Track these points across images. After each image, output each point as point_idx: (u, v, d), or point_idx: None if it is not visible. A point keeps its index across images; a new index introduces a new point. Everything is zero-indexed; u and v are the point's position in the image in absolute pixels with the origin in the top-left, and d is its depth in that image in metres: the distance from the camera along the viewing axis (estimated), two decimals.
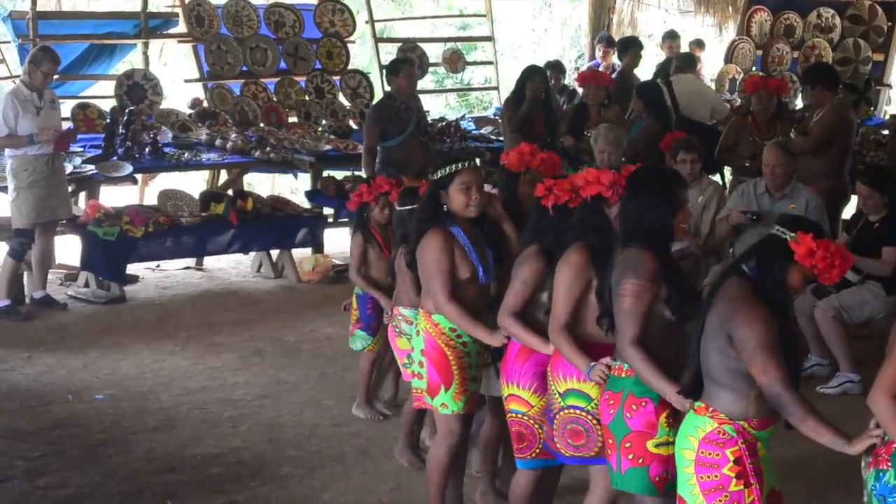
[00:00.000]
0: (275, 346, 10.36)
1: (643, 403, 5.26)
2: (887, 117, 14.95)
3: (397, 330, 7.31)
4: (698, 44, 17.79)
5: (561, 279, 5.61)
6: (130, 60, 16.40)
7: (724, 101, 14.62)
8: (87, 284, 12.02)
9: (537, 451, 6.00)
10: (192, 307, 11.70)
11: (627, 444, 5.27)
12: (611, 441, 5.35)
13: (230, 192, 13.10)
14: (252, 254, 13.13)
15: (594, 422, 5.54)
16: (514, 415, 6.03)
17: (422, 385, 6.36)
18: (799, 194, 9.68)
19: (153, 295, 12.15)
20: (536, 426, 5.95)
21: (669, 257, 5.41)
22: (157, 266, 13.06)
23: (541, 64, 16.56)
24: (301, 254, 12.94)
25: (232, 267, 13.39)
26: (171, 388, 9.24)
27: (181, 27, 15.42)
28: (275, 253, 12.92)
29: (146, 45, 15.32)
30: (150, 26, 15.26)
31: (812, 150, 10.72)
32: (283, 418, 8.58)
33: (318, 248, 12.86)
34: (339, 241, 13.59)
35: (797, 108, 14.83)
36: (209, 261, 13.36)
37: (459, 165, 6.17)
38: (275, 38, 15.56)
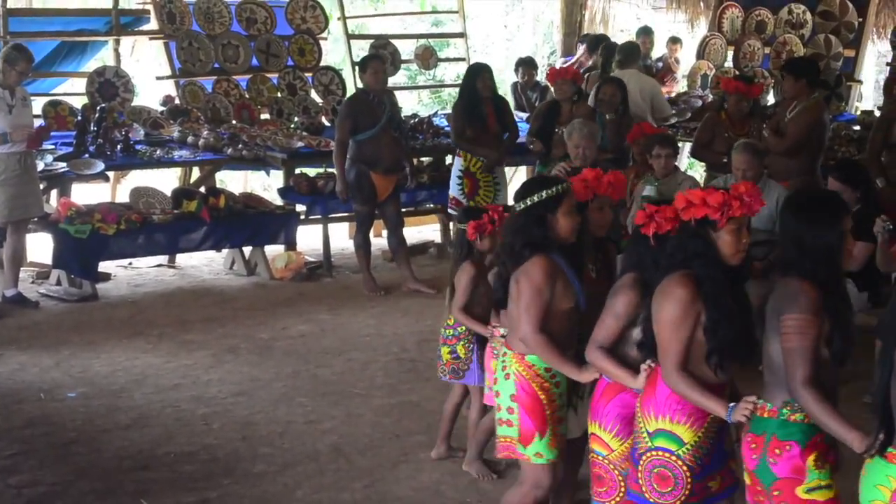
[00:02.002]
0: (248, 344, 10.34)
1: (787, 447, 4.81)
2: (858, 113, 15.00)
3: (496, 352, 6.57)
4: (674, 40, 17.85)
5: (666, 317, 5.05)
6: (102, 57, 16.33)
7: (665, 100, 14.57)
8: (59, 282, 11.99)
9: (618, 498, 5.57)
10: (164, 305, 11.67)
11: (777, 493, 4.84)
12: (759, 489, 4.90)
13: (202, 189, 13.07)
14: (225, 251, 13.10)
15: (684, 468, 5.07)
16: (595, 455, 5.64)
17: (512, 433, 5.90)
18: (770, 191, 9.69)
19: (125, 293, 12.12)
20: (617, 472, 5.54)
21: (836, 289, 4.92)
22: (130, 264, 13.05)
23: (513, 60, 16.70)
24: (274, 251, 12.92)
25: (204, 264, 13.37)
26: (143, 385, 9.22)
27: (153, 24, 15.39)
28: (247, 250, 12.90)
29: (117, 42, 15.28)
30: (122, 23, 15.21)
31: (787, 151, 10.74)
32: (256, 416, 8.57)
33: (290, 245, 12.85)
34: (311, 238, 13.59)
35: (769, 103, 14.86)
36: (181, 258, 13.34)
37: (565, 186, 5.88)
38: (247, 34, 15.54)
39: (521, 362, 5.85)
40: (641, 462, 5.18)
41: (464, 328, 7.39)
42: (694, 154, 12.28)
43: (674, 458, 5.09)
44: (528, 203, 5.83)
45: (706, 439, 5.12)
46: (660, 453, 5.12)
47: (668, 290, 5.06)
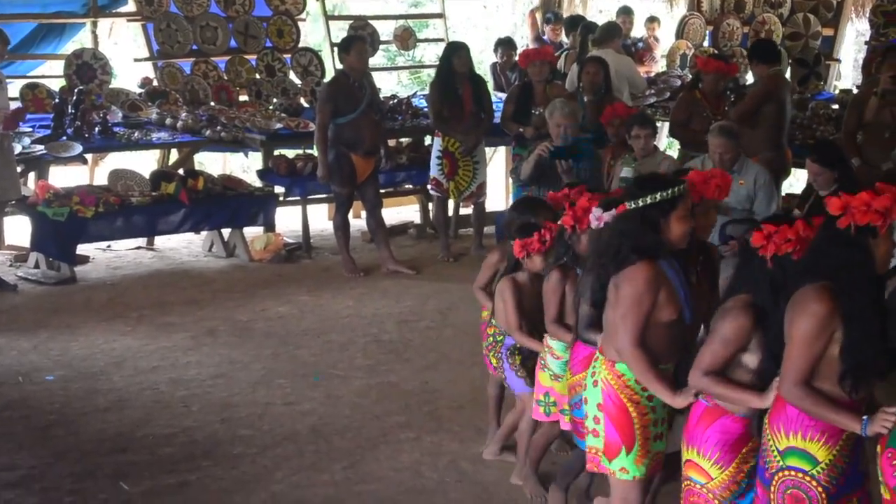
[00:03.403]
0: (227, 326, 10.33)
1: None
2: (837, 92, 15.00)
3: (542, 362, 6.61)
4: (652, 19, 17.84)
5: (798, 332, 4.67)
6: (79, 39, 16.29)
7: (641, 75, 14.62)
8: (37, 265, 11.96)
9: None
10: (143, 287, 11.65)
11: None
12: None
13: (181, 171, 13.03)
14: (203, 233, 13.09)
15: (819, 489, 4.74)
16: (691, 483, 5.22)
17: (598, 444, 5.59)
18: (747, 170, 9.70)
19: (104, 275, 12.10)
20: (717, 502, 5.15)
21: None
22: (108, 246, 13.03)
23: (492, 41, 16.69)
24: (253, 233, 12.90)
25: (183, 246, 13.34)
26: (122, 368, 9.20)
27: (130, 6, 15.35)
28: (226, 232, 12.88)
29: (95, 24, 15.21)
30: (99, 5, 15.17)
31: (738, 119, 10.81)
32: (235, 398, 8.57)
33: (269, 226, 12.82)
34: (290, 220, 13.57)
35: (748, 83, 14.88)
36: (160, 240, 13.31)
37: (683, 189, 5.47)
38: (225, 16, 15.49)
39: (610, 370, 5.49)
40: (773, 483, 4.86)
41: (493, 339, 7.24)
42: (672, 133, 12.30)
43: (807, 478, 4.76)
44: (641, 204, 5.38)
45: (841, 458, 4.77)
46: (792, 473, 4.79)
47: (805, 303, 4.68)
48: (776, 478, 4.84)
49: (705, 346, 5.09)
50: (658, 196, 5.35)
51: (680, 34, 17.06)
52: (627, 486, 5.55)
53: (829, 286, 4.64)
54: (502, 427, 7.39)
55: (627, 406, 5.44)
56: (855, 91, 13.42)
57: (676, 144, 19.06)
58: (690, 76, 15.61)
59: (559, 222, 6.46)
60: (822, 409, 4.64)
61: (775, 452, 4.83)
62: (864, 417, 4.57)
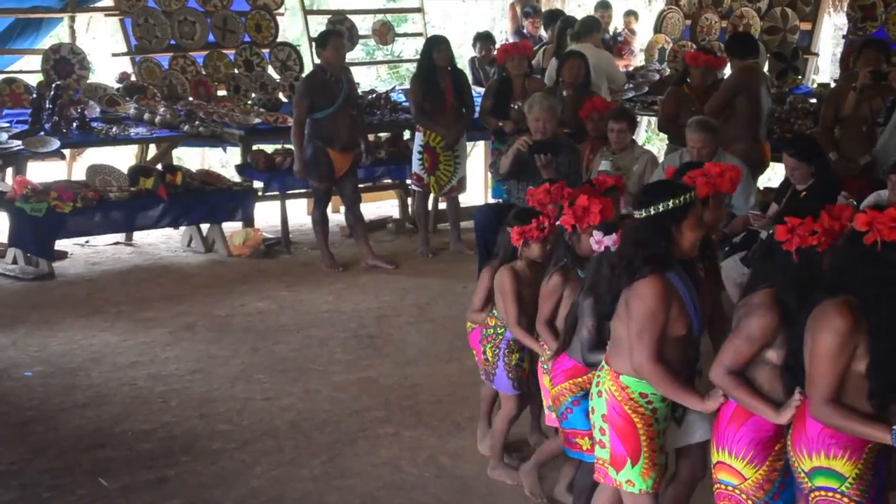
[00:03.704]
0: (205, 321, 10.32)
1: None
2: (815, 86, 15.03)
3: (545, 367, 6.42)
4: (632, 14, 17.88)
5: (821, 348, 4.60)
6: (57, 34, 16.25)
7: (620, 70, 14.67)
8: (14, 261, 11.92)
9: None
10: (121, 283, 11.63)
11: None
12: None
13: (159, 166, 13.00)
14: (182, 228, 13.06)
15: None
16: (721, 485, 5.14)
17: (604, 455, 5.49)
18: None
19: (82, 271, 12.08)
20: (750, 503, 5.07)
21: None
22: (86, 242, 13.01)
23: (471, 35, 16.69)
24: (231, 228, 12.89)
25: (162, 242, 13.33)
26: (100, 364, 9.18)
27: (108, 1, 15.28)
28: (205, 227, 12.86)
29: (73, 19, 15.19)
30: (77, 0, 15.10)
31: (710, 112, 10.86)
32: (213, 393, 8.56)
33: (248, 221, 12.81)
34: (269, 215, 13.56)
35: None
36: (139, 236, 13.29)
37: (694, 196, 5.33)
38: (203, 10, 15.46)
39: (614, 381, 5.37)
40: (810, 503, 4.80)
41: (493, 330, 7.05)
42: (661, 128, 12.35)
43: (838, 496, 4.71)
44: (654, 212, 5.24)
45: (867, 470, 4.71)
46: (824, 493, 4.74)
47: (826, 318, 4.60)
48: (811, 497, 4.78)
49: (729, 342, 5.01)
50: (671, 204, 5.21)
51: (658, 28, 17.06)
52: (636, 499, 5.45)
53: (850, 301, 4.58)
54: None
55: (632, 417, 5.33)
56: (833, 85, 13.45)
57: (656, 139, 19.23)
58: (669, 70, 15.69)
59: (558, 223, 6.28)
60: (852, 424, 4.58)
61: (803, 474, 4.79)
62: (894, 427, 4.51)
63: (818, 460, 4.71)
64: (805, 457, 4.75)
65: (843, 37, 15.46)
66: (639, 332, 5.17)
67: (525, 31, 16.90)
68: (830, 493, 4.70)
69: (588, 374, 5.83)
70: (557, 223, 6.29)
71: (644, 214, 5.26)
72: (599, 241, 5.62)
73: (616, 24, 17.88)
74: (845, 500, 4.69)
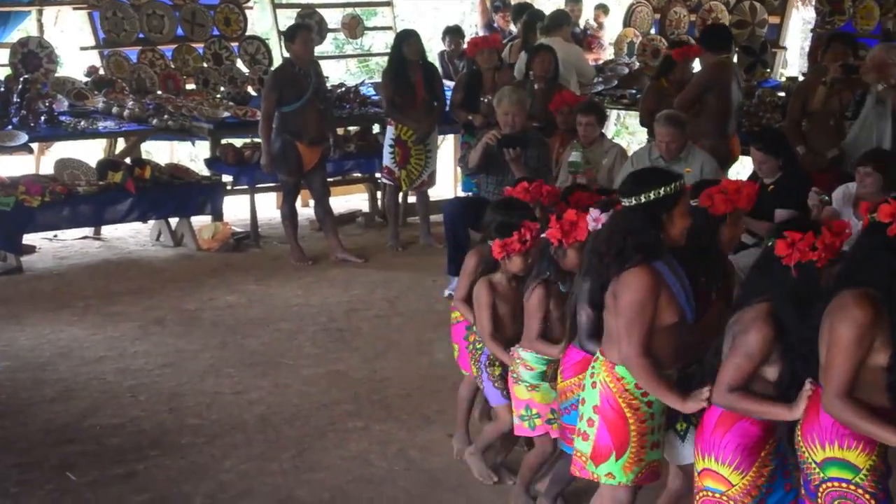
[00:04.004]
0: (174, 315, 10.30)
1: None
2: (783, 80, 15.08)
3: (514, 375, 6.40)
4: (602, 8, 17.91)
5: (838, 339, 4.56)
6: (25, 28, 16.15)
7: (589, 64, 14.70)
8: None
9: None
10: (90, 277, 11.60)
11: None
12: None
13: (128, 160, 12.96)
14: (151, 222, 13.03)
15: (867, 496, 4.66)
16: (708, 493, 5.07)
17: (584, 448, 5.44)
18: (694, 158, 9.79)
19: (51, 265, 12.04)
20: None
21: None
22: (55, 236, 12.97)
23: (441, 29, 16.68)
24: (200, 222, 12.85)
25: (130, 236, 13.29)
26: (69, 358, 9.16)
27: None
28: (174, 221, 12.83)
29: (40, 13, 15.13)
30: None
31: (679, 107, 10.89)
32: (183, 387, 8.55)
33: (217, 215, 12.78)
34: (238, 209, 13.52)
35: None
36: (107, 230, 13.25)
37: (682, 183, 5.29)
38: (171, 4, 15.40)
39: (609, 373, 5.32)
40: (819, 496, 4.76)
41: (473, 346, 6.98)
42: (643, 123, 12.38)
43: (852, 487, 4.67)
44: (644, 200, 5.19)
45: (881, 461, 4.69)
46: (836, 484, 4.70)
47: (845, 309, 4.56)
48: (821, 490, 4.74)
49: (727, 361, 4.93)
50: (661, 191, 5.17)
51: (627, 22, 17.08)
52: (616, 489, 5.43)
53: (870, 293, 4.54)
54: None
55: (625, 411, 5.29)
56: (801, 79, 13.49)
57: (625, 132, 19.27)
58: (638, 64, 15.73)
59: (543, 235, 6.17)
60: (863, 422, 4.54)
61: (814, 465, 4.75)
62: None
63: (831, 451, 4.67)
64: (817, 447, 4.71)
65: (812, 30, 15.49)
66: (627, 324, 5.14)
67: (495, 24, 16.91)
68: (844, 485, 4.67)
69: None
70: (543, 236, 6.18)
71: (634, 202, 5.22)
72: (597, 219, 5.62)
73: (586, 17, 17.92)
74: (859, 491, 4.66)
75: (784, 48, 16.17)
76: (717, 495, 5.03)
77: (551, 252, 6.13)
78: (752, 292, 5.00)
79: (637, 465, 5.34)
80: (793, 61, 18.35)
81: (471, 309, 6.80)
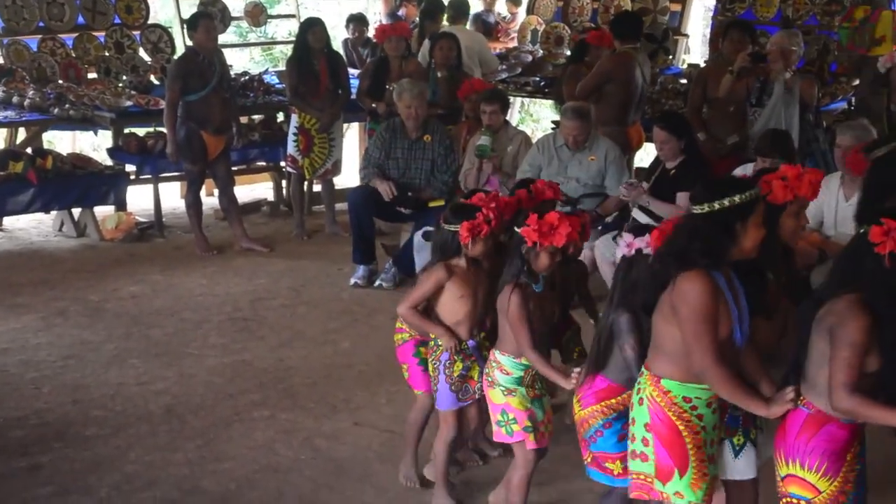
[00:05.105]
0: (78, 306, 10.21)
1: None
2: (685, 67, 15.22)
3: (489, 379, 6.14)
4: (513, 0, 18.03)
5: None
6: None
7: (492, 53, 14.78)
8: None
9: None
10: None
11: None
12: None
13: (29, 150, 12.82)
14: (53, 213, 12.89)
15: None
16: (793, 500, 4.89)
17: (647, 469, 5.17)
18: (598, 146, 9.89)
19: None
20: None
21: None
22: None
23: (345, 17, 16.66)
24: (104, 212, 12.75)
25: (33, 227, 13.14)
26: None
27: None
28: (76, 211, 12.71)
29: None
30: None
31: (579, 94, 11.01)
32: (87, 378, 8.49)
33: (120, 205, 12.67)
34: (142, 199, 13.42)
35: None
36: (9, 221, 13.07)
37: (757, 192, 5.05)
38: None
39: (655, 386, 5.08)
40: None
41: (434, 342, 6.48)
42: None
43: None
44: (717, 207, 4.93)
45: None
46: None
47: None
48: None
49: (834, 360, 4.64)
50: (736, 199, 4.91)
51: (531, 10, 17.14)
52: None
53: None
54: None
55: (677, 425, 5.04)
56: (703, 66, 13.64)
57: (530, 120, 19.33)
58: (542, 52, 15.80)
59: (519, 231, 5.91)
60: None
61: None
62: None
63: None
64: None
65: (713, 18, 15.65)
66: (695, 333, 4.87)
67: (400, 13, 16.92)
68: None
69: (622, 395, 5.53)
70: (517, 231, 5.93)
71: (706, 209, 4.95)
72: (630, 244, 5.48)
73: (500, 7, 18.03)
74: None
75: (686, 35, 16.32)
76: (804, 502, 4.87)
77: (522, 251, 5.92)
78: (840, 281, 4.80)
79: (703, 480, 5.10)
80: (695, 48, 18.55)
81: (425, 319, 6.46)
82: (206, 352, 9.08)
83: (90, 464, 7.11)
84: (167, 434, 7.53)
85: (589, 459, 5.75)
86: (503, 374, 6.07)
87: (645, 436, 5.11)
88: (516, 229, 5.97)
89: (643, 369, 5.19)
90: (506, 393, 6.08)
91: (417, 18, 15.82)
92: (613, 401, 5.58)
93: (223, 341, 9.35)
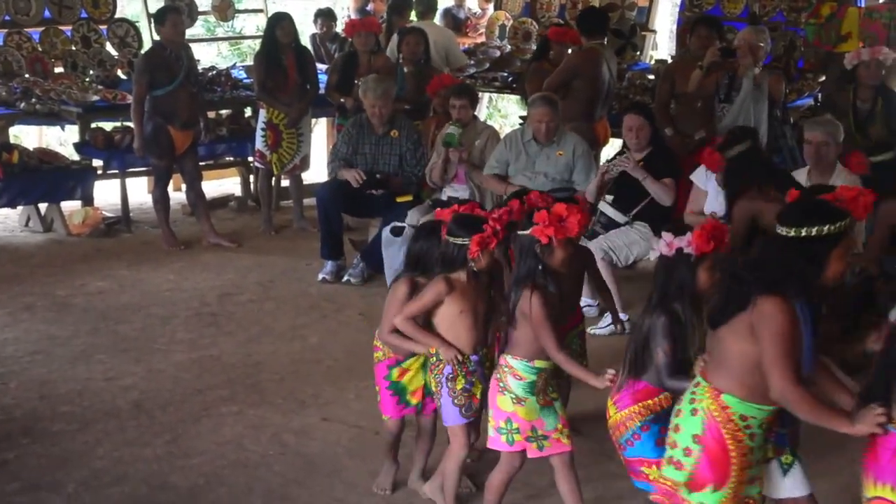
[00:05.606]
0: (44, 301, 10.17)
1: None
2: (653, 62, 15.25)
3: (501, 385, 5.97)
4: None
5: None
6: None
7: (460, 49, 14.79)
8: None
9: None
10: None
11: None
12: None
13: None
14: (20, 208, 12.84)
15: None
16: None
17: (678, 477, 5.06)
18: (566, 141, 9.90)
19: None
20: None
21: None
22: None
23: (312, 12, 16.63)
24: (70, 207, 12.70)
25: None
26: None
27: None
28: (43, 206, 12.65)
29: None
30: None
31: (546, 89, 11.03)
32: (54, 374, 8.47)
33: (87, 200, 12.63)
34: (109, 194, 13.38)
35: None
36: None
37: (850, 222, 4.89)
38: None
39: (715, 400, 4.93)
40: None
41: (436, 357, 6.27)
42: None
43: None
44: (805, 234, 4.78)
45: None
46: None
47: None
48: None
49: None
50: (826, 228, 4.77)
51: (498, 5, 17.16)
52: None
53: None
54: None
55: (728, 443, 4.92)
56: (670, 61, 13.67)
57: (497, 115, 19.34)
58: (510, 47, 15.80)
59: (529, 232, 5.82)
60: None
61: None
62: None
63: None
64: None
65: (680, 14, 15.68)
66: (779, 355, 4.70)
67: (368, 8, 16.90)
68: None
69: (659, 397, 5.52)
70: (528, 233, 5.84)
71: (794, 233, 4.82)
72: (670, 244, 5.42)
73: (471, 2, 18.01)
74: None
75: (653, 31, 16.34)
76: None
77: (536, 251, 5.83)
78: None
79: (734, 500, 5.00)
80: (662, 44, 18.56)
81: (406, 339, 6.32)
82: (174, 347, 9.06)
83: (58, 459, 7.08)
84: (135, 430, 7.51)
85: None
86: (516, 379, 5.93)
87: (690, 446, 4.99)
88: (520, 233, 5.90)
89: (700, 379, 5.05)
90: (515, 402, 5.94)
91: (385, 14, 15.81)
92: (651, 402, 5.54)
93: (191, 336, 9.33)
